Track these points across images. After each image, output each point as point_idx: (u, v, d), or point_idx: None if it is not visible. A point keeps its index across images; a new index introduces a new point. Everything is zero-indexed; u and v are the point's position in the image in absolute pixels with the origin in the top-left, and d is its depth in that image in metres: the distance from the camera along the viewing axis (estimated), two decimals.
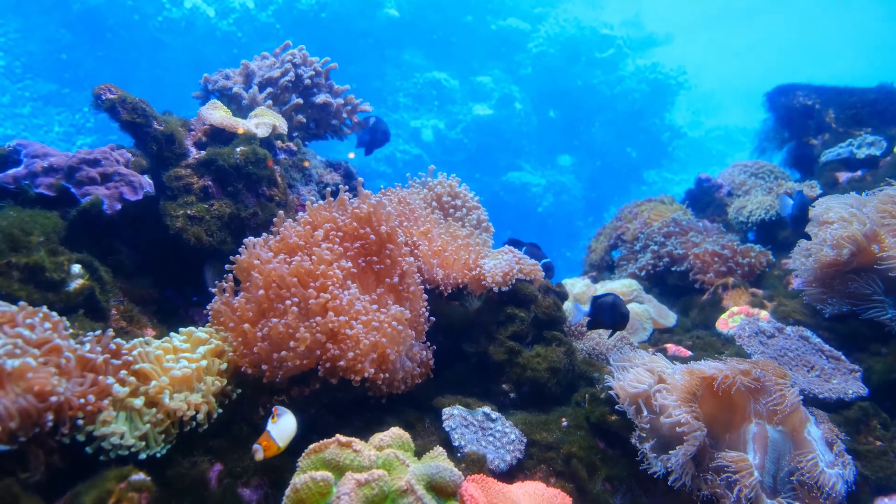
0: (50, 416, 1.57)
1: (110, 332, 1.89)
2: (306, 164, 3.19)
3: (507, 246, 2.91)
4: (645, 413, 2.03)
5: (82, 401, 1.64)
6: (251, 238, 2.30)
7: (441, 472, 1.62)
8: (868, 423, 2.30)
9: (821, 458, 1.89)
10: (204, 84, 3.36)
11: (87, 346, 1.78)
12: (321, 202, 2.47)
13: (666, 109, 16.76)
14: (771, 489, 1.92)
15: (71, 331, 1.82)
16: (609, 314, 2.49)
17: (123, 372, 1.79)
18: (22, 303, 1.75)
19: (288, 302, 2.05)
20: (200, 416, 1.87)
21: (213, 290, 2.25)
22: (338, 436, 1.66)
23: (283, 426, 1.76)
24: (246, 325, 2.06)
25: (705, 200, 4.77)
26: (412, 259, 2.48)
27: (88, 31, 13.11)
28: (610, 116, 16.35)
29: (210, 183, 2.66)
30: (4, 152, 2.42)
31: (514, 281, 2.65)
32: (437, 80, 15.42)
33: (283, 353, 2.00)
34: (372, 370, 2.04)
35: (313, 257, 2.17)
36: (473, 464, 1.93)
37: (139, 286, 2.51)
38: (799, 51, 28.21)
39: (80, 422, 1.65)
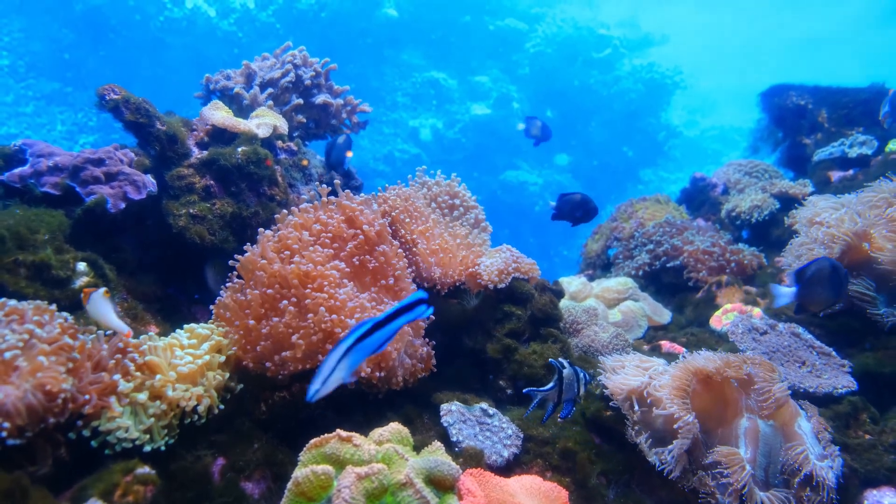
0: (58, 412, 1.60)
1: None
2: (305, 163, 3.22)
3: (504, 245, 2.95)
4: (637, 408, 2.07)
5: (87, 397, 1.67)
6: (267, 231, 2.33)
7: (439, 465, 1.65)
8: (858, 417, 2.34)
9: (811, 451, 1.94)
10: (205, 84, 3.40)
11: (96, 344, 1.82)
12: (307, 205, 2.50)
13: (662, 109, 16.80)
14: (763, 482, 1.96)
15: (73, 329, 1.85)
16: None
17: (131, 367, 1.83)
18: (39, 302, 1.79)
19: (285, 302, 2.09)
20: (201, 409, 1.90)
21: (220, 288, 2.29)
22: (338, 430, 1.69)
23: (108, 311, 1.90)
24: (251, 322, 2.09)
25: (700, 199, 4.81)
26: (405, 256, 2.51)
27: (91, 30, 13.13)
28: (606, 116, 16.38)
29: (212, 182, 2.69)
30: (10, 151, 2.45)
31: (510, 279, 2.69)
32: (435, 79, 15.45)
33: (286, 353, 2.04)
34: (369, 369, 2.08)
35: (302, 261, 2.20)
36: (471, 458, 1.96)
37: (143, 284, 2.55)
38: (793, 51, 28.28)
39: (81, 422, 1.69)
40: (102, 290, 1.91)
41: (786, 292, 2.51)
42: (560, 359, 2.06)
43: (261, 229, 2.34)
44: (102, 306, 1.89)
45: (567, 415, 2.05)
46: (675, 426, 1.92)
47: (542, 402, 2.03)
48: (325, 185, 3.23)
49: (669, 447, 1.91)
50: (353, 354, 1.48)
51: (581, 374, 2.04)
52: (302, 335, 2.04)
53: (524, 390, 2.08)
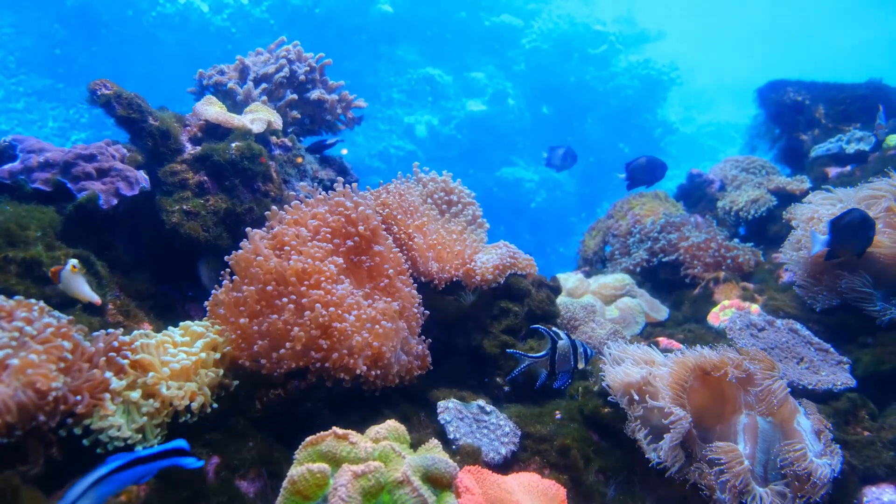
0: (49, 410, 1.58)
1: (119, 330, 1.91)
2: (299, 160, 3.20)
3: (501, 241, 2.93)
4: (637, 403, 2.06)
5: (80, 397, 1.65)
6: (256, 231, 2.30)
7: (437, 463, 1.64)
8: (856, 413, 2.34)
9: (809, 448, 1.93)
10: (199, 79, 3.37)
11: (89, 343, 1.79)
12: (297, 202, 2.47)
13: (658, 105, 16.81)
14: (762, 478, 1.96)
15: (65, 327, 1.82)
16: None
17: (125, 363, 1.81)
18: (20, 297, 1.76)
19: (285, 299, 2.07)
20: (195, 406, 1.88)
21: (215, 285, 2.26)
22: (334, 428, 1.68)
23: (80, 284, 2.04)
24: (244, 321, 2.07)
25: (697, 195, 4.80)
26: (401, 252, 2.49)
27: (83, 26, 13.06)
28: (603, 112, 16.39)
29: (206, 178, 2.66)
30: (0, 147, 2.42)
31: (507, 275, 2.67)
32: (430, 76, 15.41)
33: (282, 351, 2.02)
34: (364, 367, 2.06)
35: (300, 257, 2.18)
36: (468, 456, 1.95)
37: (136, 281, 2.52)
38: (790, 47, 28.35)
39: (72, 420, 1.67)
40: (70, 265, 2.00)
41: (821, 239, 2.64)
42: (555, 329, 2.04)
43: (248, 229, 2.31)
44: (75, 281, 2.02)
45: (562, 385, 2.04)
46: (666, 420, 1.91)
47: (532, 371, 2.01)
48: (317, 183, 3.22)
49: (664, 440, 1.90)
50: (106, 485, 1.44)
51: (581, 348, 2.02)
52: (301, 326, 2.02)
53: (507, 350, 2.05)
